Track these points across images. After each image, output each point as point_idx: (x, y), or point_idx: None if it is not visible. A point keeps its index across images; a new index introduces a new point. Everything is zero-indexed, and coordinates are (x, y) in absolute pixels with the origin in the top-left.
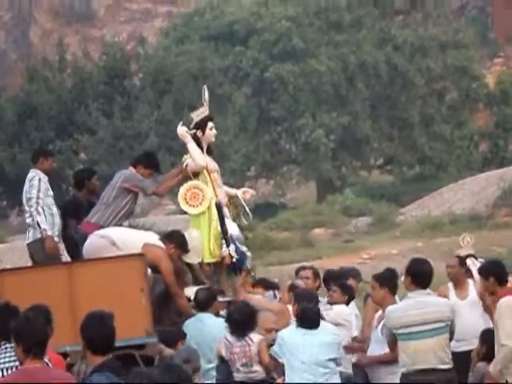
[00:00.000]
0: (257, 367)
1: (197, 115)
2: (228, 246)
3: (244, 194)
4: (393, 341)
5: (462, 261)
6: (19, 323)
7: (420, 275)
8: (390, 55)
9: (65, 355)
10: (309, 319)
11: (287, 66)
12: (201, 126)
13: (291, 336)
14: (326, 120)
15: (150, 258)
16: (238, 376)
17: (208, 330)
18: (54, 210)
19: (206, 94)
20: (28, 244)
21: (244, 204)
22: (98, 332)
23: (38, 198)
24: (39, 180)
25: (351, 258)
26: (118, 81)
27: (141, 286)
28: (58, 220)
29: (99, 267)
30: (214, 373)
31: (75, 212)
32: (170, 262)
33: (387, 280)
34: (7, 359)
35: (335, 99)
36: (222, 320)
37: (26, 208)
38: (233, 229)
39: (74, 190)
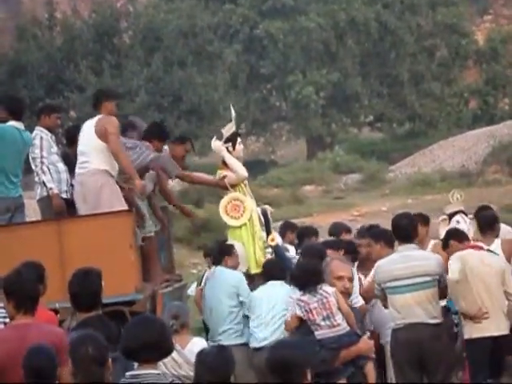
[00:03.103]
0: (339, 319)
1: (226, 131)
2: (274, 253)
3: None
4: (383, 295)
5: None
6: (11, 279)
7: (396, 229)
8: (379, 12)
9: (55, 311)
10: None
11: (277, 23)
12: (231, 140)
13: None
14: (316, 77)
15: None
16: (320, 333)
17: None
18: (60, 166)
19: (233, 112)
20: (37, 201)
21: (269, 219)
22: (82, 288)
23: (41, 157)
24: (41, 138)
25: (341, 214)
26: (107, 38)
27: (129, 242)
28: (64, 176)
29: (88, 224)
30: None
31: (67, 169)
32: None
33: (380, 234)
34: None
35: (325, 56)
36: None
37: (33, 167)
38: (279, 238)
39: (65, 147)
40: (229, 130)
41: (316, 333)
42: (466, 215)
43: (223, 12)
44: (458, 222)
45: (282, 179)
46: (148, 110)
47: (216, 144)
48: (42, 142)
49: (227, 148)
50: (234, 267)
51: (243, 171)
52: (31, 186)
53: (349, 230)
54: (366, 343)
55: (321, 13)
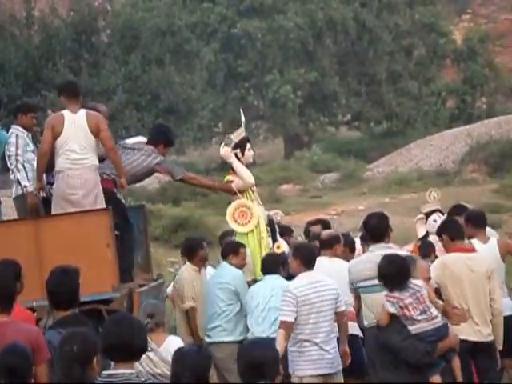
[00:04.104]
0: (434, 311)
1: (235, 136)
2: None
3: (274, 215)
4: (356, 296)
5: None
6: None
7: (367, 228)
8: (357, 11)
9: (32, 310)
10: None
11: (255, 22)
12: (240, 146)
13: None
14: (294, 76)
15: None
16: (418, 327)
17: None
18: (35, 164)
19: (243, 117)
20: (13, 199)
21: (276, 227)
22: (60, 286)
23: (16, 155)
24: (16, 136)
25: (318, 213)
26: (85, 37)
27: (107, 241)
28: None
29: (65, 222)
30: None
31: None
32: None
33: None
34: None
35: (303, 55)
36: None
37: (8, 165)
38: (284, 245)
39: None
40: (238, 135)
41: (412, 327)
42: (443, 214)
43: (201, 11)
44: (434, 220)
45: (260, 178)
46: (126, 108)
47: (224, 150)
48: (18, 140)
49: (236, 154)
50: (239, 266)
51: (250, 178)
52: (9, 184)
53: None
54: (454, 336)
55: (299, 12)
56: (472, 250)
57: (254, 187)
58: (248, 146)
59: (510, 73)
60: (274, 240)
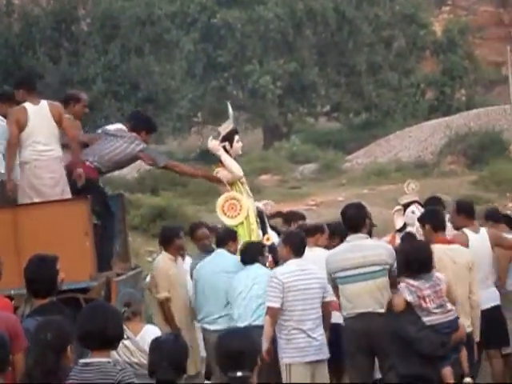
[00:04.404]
0: (450, 305)
1: (223, 129)
2: (270, 252)
3: (265, 205)
4: (334, 286)
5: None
6: None
7: (345, 219)
8: (337, 2)
9: (10, 298)
10: None
11: (235, 12)
12: (228, 139)
13: None
14: (273, 67)
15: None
16: (433, 319)
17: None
18: None
19: (230, 109)
20: None
21: (265, 219)
22: (38, 274)
23: None
24: None
25: (297, 204)
26: (65, 26)
27: (85, 229)
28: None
29: (43, 211)
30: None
31: None
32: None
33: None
34: None
35: (282, 46)
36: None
37: None
38: (274, 237)
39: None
40: (226, 128)
41: (426, 318)
42: (421, 205)
43: (181, 0)
44: (412, 212)
45: None
46: (105, 97)
47: (212, 143)
48: None
49: (224, 147)
50: (235, 253)
51: (238, 171)
52: None
53: (303, 218)
54: (463, 327)
55: (279, 2)
56: (453, 241)
57: (244, 179)
58: (236, 137)
59: (490, 65)
60: (264, 232)
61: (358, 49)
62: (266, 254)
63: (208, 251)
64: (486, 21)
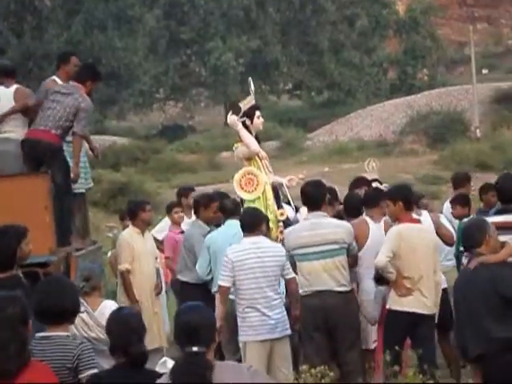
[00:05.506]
0: None
1: (244, 104)
2: (285, 227)
3: (289, 181)
4: (292, 263)
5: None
6: None
7: (305, 196)
8: None
9: None
10: None
11: None
12: (249, 114)
13: None
14: (236, 44)
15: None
16: None
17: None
18: None
19: (252, 85)
20: None
21: (288, 195)
22: None
23: None
24: None
25: None
26: (28, 0)
27: (45, 203)
28: None
29: (2, 185)
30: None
31: None
32: None
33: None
34: None
35: (245, 23)
36: None
37: None
38: (290, 212)
39: None
40: (247, 103)
41: None
42: (381, 184)
43: None
44: None
45: (200, 145)
46: None
47: (231, 118)
48: None
49: (244, 122)
50: None
51: (255, 146)
52: None
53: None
54: None
55: None
56: (419, 221)
57: (262, 154)
58: (257, 113)
59: (452, 45)
60: (279, 207)
61: (321, 27)
62: (281, 228)
63: (218, 224)
64: (449, 1)
